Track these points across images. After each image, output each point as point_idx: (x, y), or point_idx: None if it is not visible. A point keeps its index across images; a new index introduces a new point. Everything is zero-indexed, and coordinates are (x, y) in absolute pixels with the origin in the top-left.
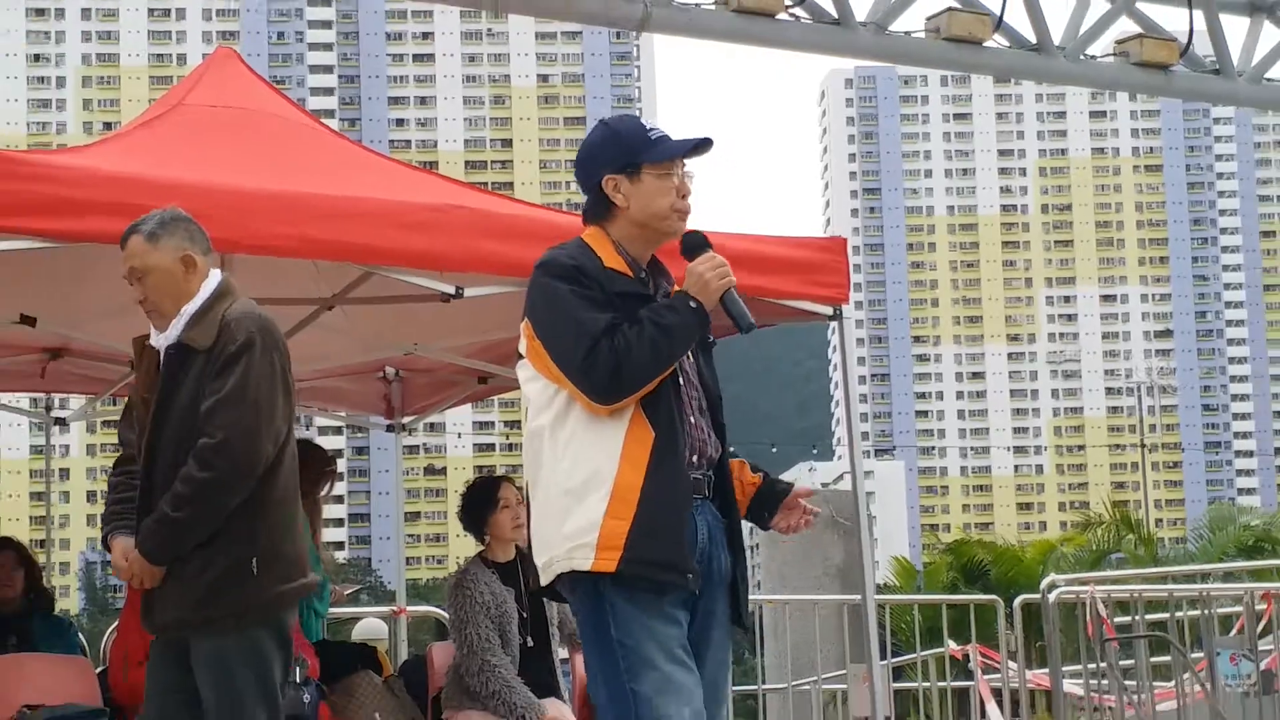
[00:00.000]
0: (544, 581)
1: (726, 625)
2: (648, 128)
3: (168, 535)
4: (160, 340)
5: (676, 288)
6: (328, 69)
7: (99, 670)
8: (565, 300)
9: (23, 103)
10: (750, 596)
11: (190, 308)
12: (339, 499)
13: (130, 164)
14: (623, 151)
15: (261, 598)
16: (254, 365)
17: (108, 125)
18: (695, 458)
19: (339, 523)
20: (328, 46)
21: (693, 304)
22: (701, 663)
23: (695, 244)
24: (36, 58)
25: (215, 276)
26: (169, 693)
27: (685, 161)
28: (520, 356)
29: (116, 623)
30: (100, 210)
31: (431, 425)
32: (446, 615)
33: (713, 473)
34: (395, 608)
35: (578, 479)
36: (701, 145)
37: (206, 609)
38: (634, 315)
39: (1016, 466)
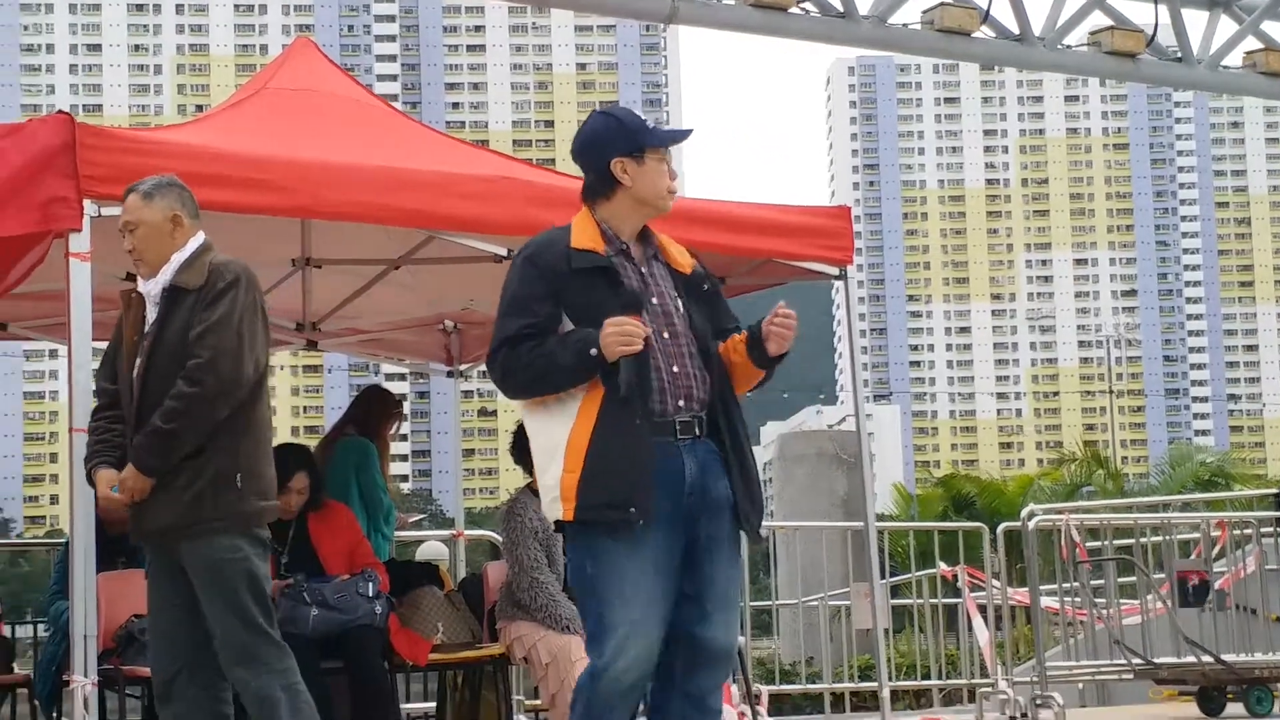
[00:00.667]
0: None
1: (732, 545)
2: (642, 118)
3: (159, 446)
4: (149, 286)
5: (671, 250)
6: (391, 58)
7: None
8: (504, 295)
9: (125, 88)
10: (766, 523)
11: (180, 257)
12: (404, 438)
13: (221, 140)
14: (628, 137)
15: (242, 509)
16: (239, 299)
17: (199, 108)
18: (681, 401)
19: (404, 458)
20: (391, 38)
21: (593, 352)
22: (711, 580)
23: (627, 303)
24: (136, 48)
25: (200, 236)
26: (167, 606)
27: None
28: None
29: None
30: (195, 181)
31: (483, 372)
32: (499, 538)
33: (705, 412)
34: (454, 531)
35: (548, 440)
36: (686, 135)
37: (193, 515)
38: (595, 287)
39: (999, 410)
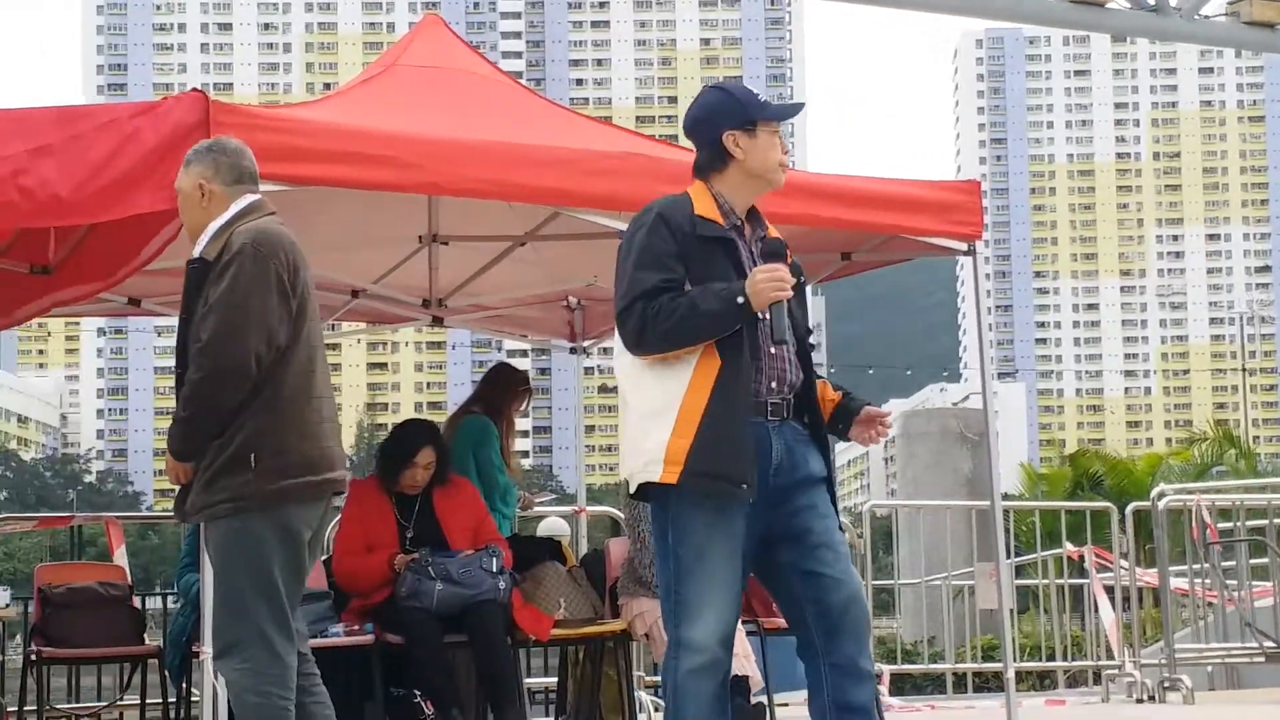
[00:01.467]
0: (632, 492)
1: (827, 511)
2: (754, 92)
3: (179, 433)
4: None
5: (773, 233)
6: (516, 35)
7: (324, 558)
8: (634, 250)
9: (254, 67)
10: (889, 502)
11: (214, 226)
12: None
13: (351, 117)
14: (741, 110)
15: (259, 490)
16: (243, 271)
17: (327, 86)
18: (774, 384)
19: (524, 435)
20: (517, 15)
21: (740, 300)
22: (823, 545)
23: (773, 251)
24: (266, 27)
25: (245, 200)
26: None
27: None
28: None
29: (339, 518)
30: (326, 157)
31: (607, 349)
32: (621, 514)
33: (794, 396)
34: (576, 508)
35: (653, 404)
36: (799, 109)
37: (206, 497)
38: (714, 258)
39: (1127, 389)
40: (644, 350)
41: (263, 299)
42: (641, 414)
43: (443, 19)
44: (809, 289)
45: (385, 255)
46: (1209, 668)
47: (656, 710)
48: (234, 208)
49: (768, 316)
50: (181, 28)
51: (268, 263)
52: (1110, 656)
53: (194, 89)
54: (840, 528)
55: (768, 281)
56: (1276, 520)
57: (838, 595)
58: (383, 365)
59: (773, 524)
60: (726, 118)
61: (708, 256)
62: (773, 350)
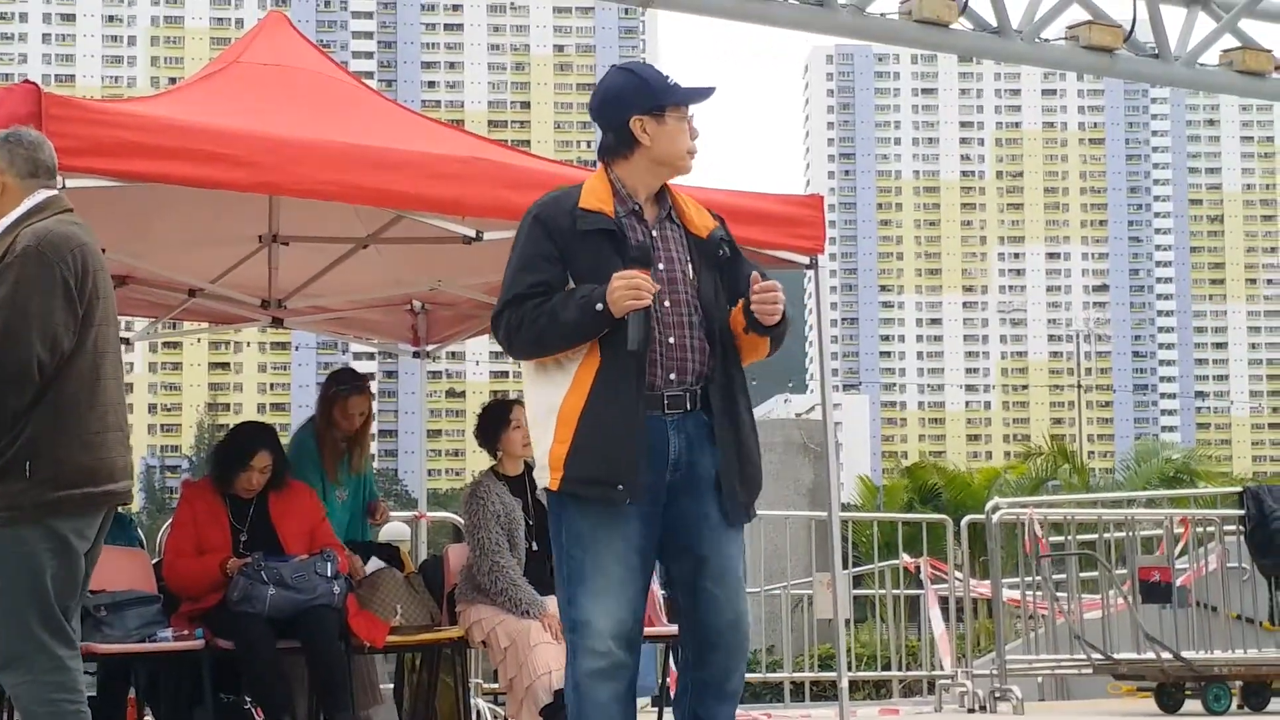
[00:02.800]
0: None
1: (723, 521)
2: (664, 74)
3: None
4: None
5: (691, 212)
6: (368, 35)
7: (154, 561)
8: (514, 251)
9: (98, 59)
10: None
11: (3, 222)
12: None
13: (190, 113)
14: (649, 94)
15: (32, 500)
16: (26, 273)
17: (173, 81)
18: (674, 375)
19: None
20: (368, 15)
21: (599, 307)
22: (704, 561)
23: (633, 258)
24: (110, 19)
25: (39, 196)
26: None
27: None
28: None
29: (170, 520)
30: (161, 154)
31: (453, 354)
32: (462, 521)
33: (701, 385)
34: (417, 513)
35: (539, 409)
36: (709, 93)
37: None
38: (600, 250)
39: (967, 403)
40: (515, 356)
41: (46, 303)
42: (532, 420)
43: (287, 17)
44: None
45: (224, 254)
46: (1039, 678)
47: (495, 719)
48: (27, 203)
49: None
50: (23, 17)
51: (53, 266)
52: (944, 667)
53: (27, 80)
54: (741, 517)
55: (624, 289)
56: (1107, 534)
57: (718, 618)
58: (225, 365)
59: (668, 524)
60: (634, 102)
61: (593, 249)
62: (672, 340)
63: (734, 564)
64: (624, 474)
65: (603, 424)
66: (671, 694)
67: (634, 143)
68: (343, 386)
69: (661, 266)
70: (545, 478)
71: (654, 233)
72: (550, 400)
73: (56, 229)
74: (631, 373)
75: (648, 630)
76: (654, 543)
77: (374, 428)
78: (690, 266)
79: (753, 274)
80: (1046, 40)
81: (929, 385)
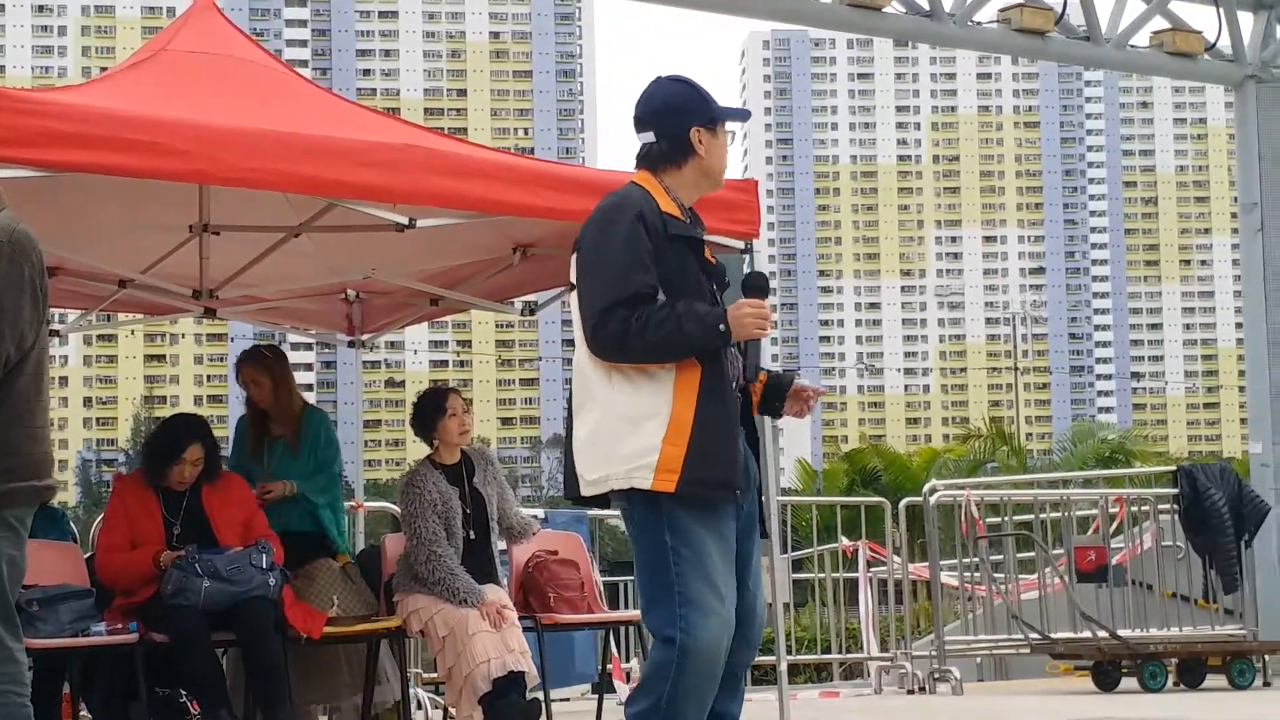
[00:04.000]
0: (590, 493)
1: (755, 521)
2: (711, 97)
3: None
4: None
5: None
6: (302, 23)
7: (87, 556)
8: (612, 248)
9: (27, 49)
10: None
11: None
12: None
13: (117, 102)
14: (707, 108)
15: None
16: None
17: (103, 70)
18: (733, 384)
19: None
20: (302, 3)
21: (722, 327)
22: (748, 561)
23: (755, 285)
24: (40, 8)
25: None
26: None
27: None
28: (572, 286)
29: (103, 514)
30: (88, 143)
31: (392, 343)
32: (399, 510)
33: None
34: (353, 503)
35: (635, 408)
36: (749, 116)
37: None
38: (684, 258)
39: (906, 386)
40: (616, 359)
41: (15, 300)
42: (619, 416)
43: (215, 4)
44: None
45: (154, 244)
46: (978, 659)
47: (435, 708)
48: None
49: (744, 349)
50: None
51: (21, 264)
52: (885, 649)
53: None
54: (765, 533)
55: (753, 316)
56: (1043, 515)
57: (752, 614)
58: (160, 357)
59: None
60: (696, 113)
61: (679, 254)
62: (732, 350)
63: (759, 552)
64: (737, 477)
65: (717, 431)
66: (613, 681)
67: (690, 152)
68: (245, 370)
69: (705, 279)
70: (648, 478)
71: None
72: (651, 401)
73: (17, 227)
74: (728, 380)
75: (587, 617)
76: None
77: (300, 401)
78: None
79: (795, 383)
80: (979, 23)
81: (868, 369)
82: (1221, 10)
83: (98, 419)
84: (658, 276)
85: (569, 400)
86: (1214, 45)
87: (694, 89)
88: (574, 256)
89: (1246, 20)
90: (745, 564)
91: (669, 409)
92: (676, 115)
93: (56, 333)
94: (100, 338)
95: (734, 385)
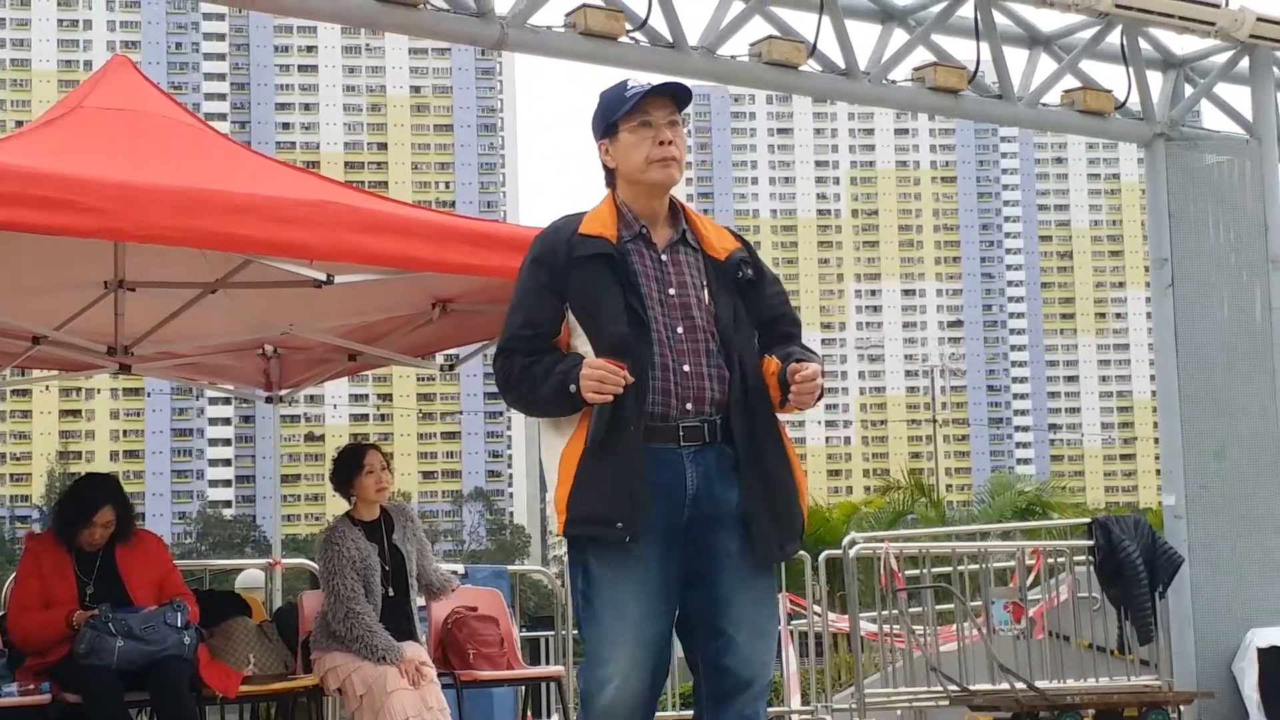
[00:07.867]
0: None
1: (749, 560)
2: (628, 87)
3: None
4: None
5: (710, 235)
6: (221, 77)
7: (0, 615)
8: (514, 292)
9: None
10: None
11: None
12: (227, 462)
13: (30, 158)
14: (605, 116)
15: None
16: None
17: (20, 124)
18: (689, 405)
19: (227, 484)
20: (221, 57)
21: (572, 389)
22: (726, 602)
23: (614, 344)
24: None
25: None
26: None
27: (666, 111)
28: None
29: (15, 573)
30: (3, 201)
31: (312, 397)
32: (317, 567)
33: (721, 415)
34: (271, 560)
35: (548, 452)
36: (667, 89)
37: None
38: (598, 276)
39: (827, 438)
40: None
41: None
42: (546, 465)
43: (132, 61)
44: None
45: (69, 301)
46: (898, 711)
47: None
48: None
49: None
50: None
51: None
52: (806, 703)
53: None
54: (772, 557)
55: (591, 383)
56: (961, 567)
57: (736, 670)
58: (76, 413)
59: (688, 561)
60: (597, 129)
61: (590, 278)
62: (687, 368)
63: (758, 609)
64: (624, 512)
65: (602, 462)
66: None
67: (609, 169)
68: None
69: (674, 291)
70: (556, 523)
71: (664, 257)
72: (556, 446)
73: None
74: (630, 410)
75: (506, 674)
76: (673, 585)
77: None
78: (706, 291)
79: (791, 364)
80: (894, 82)
81: (789, 422)
82: (1131, 70)
83: (11, 475)
84: (556, 308)
85: None
86: (1124, 104)
87: (599, 103)
88: None
89: (1156, 80)
90: (719, 609)
91: (564, 446)
92: (594, 135)
93: None
94: (14, 393)
95: (687, 405)
